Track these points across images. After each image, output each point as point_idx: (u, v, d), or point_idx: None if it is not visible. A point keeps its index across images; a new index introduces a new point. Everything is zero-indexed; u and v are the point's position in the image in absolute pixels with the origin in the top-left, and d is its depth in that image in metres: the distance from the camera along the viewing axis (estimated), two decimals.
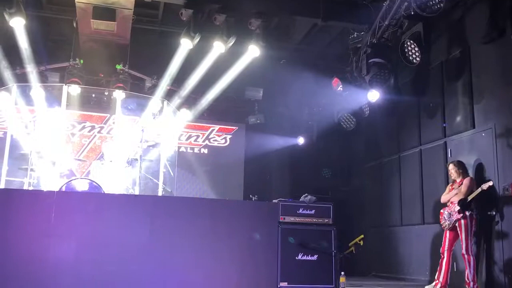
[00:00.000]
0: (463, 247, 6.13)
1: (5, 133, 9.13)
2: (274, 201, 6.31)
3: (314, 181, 10.49)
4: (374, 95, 8.42)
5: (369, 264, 9.56)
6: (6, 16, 7.39)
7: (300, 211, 6.11)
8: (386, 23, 7.72)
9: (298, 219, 6.08)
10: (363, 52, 8.15)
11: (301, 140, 11.36)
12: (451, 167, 6.62)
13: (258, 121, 10.90)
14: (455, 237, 6.37)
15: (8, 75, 8.77)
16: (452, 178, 6.63)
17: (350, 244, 9.63)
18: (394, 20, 7.68)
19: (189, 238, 5.78)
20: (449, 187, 6.68)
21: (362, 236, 9.59)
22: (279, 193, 9.08)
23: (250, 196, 6.87)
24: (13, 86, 8.58)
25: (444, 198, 6.62)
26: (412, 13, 7.00)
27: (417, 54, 7.21)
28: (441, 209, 6.64)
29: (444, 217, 6.46)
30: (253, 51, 8.47)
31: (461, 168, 6.55)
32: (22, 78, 8.93)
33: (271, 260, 5.94)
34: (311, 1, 8.35)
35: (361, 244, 9.62)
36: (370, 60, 7.85)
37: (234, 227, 5.98)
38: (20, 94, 8.68)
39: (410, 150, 8.71)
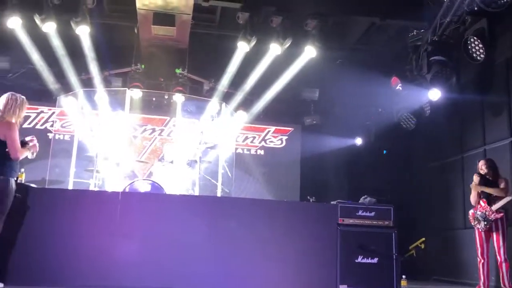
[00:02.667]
0: (501, 251, 5.80)
1: (71, 137, 9.58)
2: (332, 202, 6.26)
3: (372, 182, 10.31)
4: (435, 94, 8.19)
5: (430, 268, 9.29)
6: (73, 25, 7.78)
7: (360, 213, 6.04)
8: (447, 20, 7.50)
9: (357, 221, 6.00)
10: (423, 50, 7.95)
11: (358, 141, 11.20)
12: (482, 163, 6.21)
13: (314, 122, 10.85)
14: (490, 237, 6.01)
15: (74, 81, 9.20)
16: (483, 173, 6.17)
17: (410, 247, 9.44)
18: (456, 17, 7.44)
19: (247, 238, 5.85)
20: (475, 186, 6.23)
21: (423, 239, 9.39)
22: (336, 195, 8.95)
23: (308, 197, 6.86)
24: (79, 91, 8.99)
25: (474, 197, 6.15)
26: (476, 8, 6.76)
27: (481, 51, 6.95)
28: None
29: (477, 218, 6.09)
30: (309, 52, 8.46)
31: (494, 165, 6.18)
32: (87, 84, 9.34)
33: (330, 262, 5.90)
34: (368, 0, 8.24)
35: (422, 247, 9.41)
36: (431, 58, 7.66)
37: (292, 228, 5.98)
38: (85, 99, 9.08)
39: (474, 150, 8.39)
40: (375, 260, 5.92)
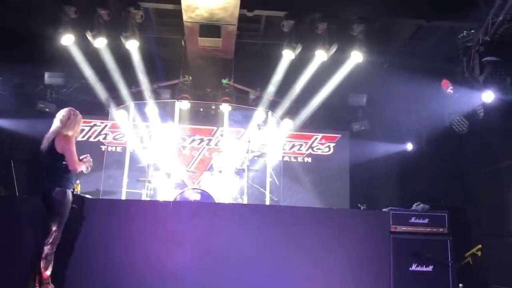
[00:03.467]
0: None
1: (123, 148, 9.86)
2: (384, 210, 6.14)
3: (425, 188, 10.04)
4: (489, 96, 7.88)
5: (488, 276, 8.91)
6: (122, 40, 8.01)
7: (413, 220, 5.90)
8: (500, 18, 7.22)
9: (410, 229, 5.87)
10: (474, 51, 7.68)
11: (409, 146, 10.94)
12: None
13: (363, 128, 10.69)
14: None
15: (125, 94, 9.48)
16: None
17: (466, 255, 9.10)
18: (509, 15, 7.16)
19: (297, 247, 5.82)
20: None
21: (479, 246, 9.03)
22: (387, 202, 8.78)
23: (358, 205, 6.76)
24: (130, 104, 9.25)
25: None
26: None
27: None
28: None
29: None
30: (355, 57, 8.36)
31: None
32: (137, 96, 9.60)
33: (383, 271, 5.79)
34: (414, 2, 8.06)
35: (479, 254, 9.05)
36: (484, 59, 7.39)
37: (343, 236, 5.91)
38: (136, 111, 9.33)
39: None
40: (430, 268, 5.76)
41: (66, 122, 5.21)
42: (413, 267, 5.76)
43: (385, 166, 10.80)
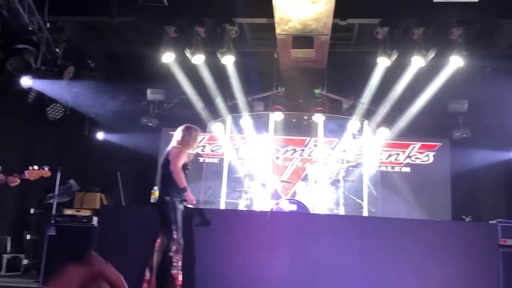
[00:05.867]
0: None
1: (220, 160, 10.18)
2: (491, 222, 5.79)
3: None
4: None
5: None
6: (219, 55, 8.30)
7: None
8: None
9: None
10: None
11: None
12: None
13: (464, 135, 10.14)
14: None
15: (221, 107, 9.82)
16: None
17: None
18: None
19: (397, 260, 5.65)
20: None
21: None
22: (493, 214, 8.26)
23: (463, 216, 6.42)
24: (227, 117, 9.55)
25: None
26: None
27: None
28: None
29: None
30: (455, 62, 8.00)
31: None
32: (233, 109, 9.89)
33: (491, 286, 5.44)
34: None
35: None
36: None
37: (446, 250, 5.65)
38: (232, 124, 9.61)
39: None
40: None
41: (183, 140, 5.51)
42: None
43: (490, 175, 10.14)
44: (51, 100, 9.00)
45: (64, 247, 6.22)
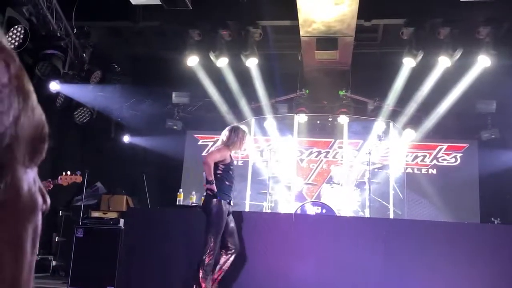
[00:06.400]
0: None
1: (245, 162, 10.19)
2: None
3: None
4: None
5: None
6: (243, 58, 8.34)
7: None
8: None
9: None
10: None
11: None
12: None
13: (493, 136, 9.93)
14: None
15: (246, 109, 9.84)
16: None
17: None
18: None
19: (424, 263, 5.55)
20: None
21: None
22: None
23: (492, 219, 6.29)
24: (251, 119, 9.56)
25: None
26: None
27: None
28: None
29: None
30: (483, 62, 7.86)
31: None
32: (257, 112, 9.91)
33: None
34: None
35: None
36: None
37: (475, 253, 5.53)
38: (256, 126, 9.62)
39: None
40: None
41: (228, 141, 5.39)
42: None
43: None
44: (78, 105, 9.16)
45: (92, 248, 6.32)
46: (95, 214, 8.25)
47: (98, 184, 9.72)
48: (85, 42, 8.32)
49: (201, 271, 5.02)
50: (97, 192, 9.62)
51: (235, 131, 5.47)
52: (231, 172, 5.39)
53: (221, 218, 5.15)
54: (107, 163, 10.60)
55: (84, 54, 8.35)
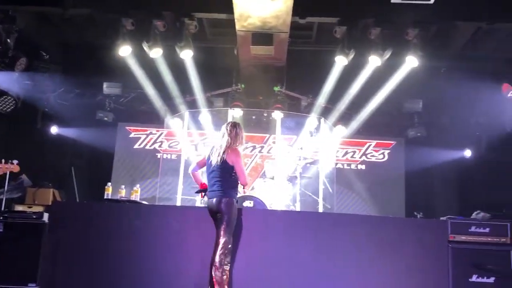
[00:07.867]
0: None
1: (178, 156, 10.07)
2: (442, 218, 5.95)
3: (484, 197, 9.63)
4: None
5: None
6: (177, 50, 8.20)
7: (472, 229, 5.67)
8: None
9: (470, 238, 5.64)
10: None
11: (468, 153, 10.55)
12: None
13: (419, 134, 10.40)
14: None
15: (179, 102, 9.71)
16: None
17: None
18: None
19: (351, 255, 5.72)
20: None
21: None
22: (445, 211, 8.51)
23: (415, 213, 6.57)
24: (185, 112, 9.45)
25: None
26: None
27: None
28: None
29: None
30: (410, 62, 8.18)
31: None
32: (191, 105, 9.81)
33: (441, 281, 5.59)
34: (473, 4, 7.79)
35: None
36: None
37: (399, 245, 5.76)
38: (190, 120, 9.52)
39: None
40: (492, 279, 5.51)
41: (235, 137, 5.43)
42: (473, 278, 5.53)
43: (443, 173, 10.46)
44: (2, 93, 8.67)
45: (12, 244, 6.00)
46: (19, 208, 7.86)
47: (23, 176, 9.23)
48: (10, 27, 7.87)
49: (217, 271, 5.09)
50: (21, 185, 9.14)
51: (238, 127, 5.54)
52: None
53: (234, 218, 5.34)
54: (33, 155, 10.11)
55: (8, 40, 7.89)
